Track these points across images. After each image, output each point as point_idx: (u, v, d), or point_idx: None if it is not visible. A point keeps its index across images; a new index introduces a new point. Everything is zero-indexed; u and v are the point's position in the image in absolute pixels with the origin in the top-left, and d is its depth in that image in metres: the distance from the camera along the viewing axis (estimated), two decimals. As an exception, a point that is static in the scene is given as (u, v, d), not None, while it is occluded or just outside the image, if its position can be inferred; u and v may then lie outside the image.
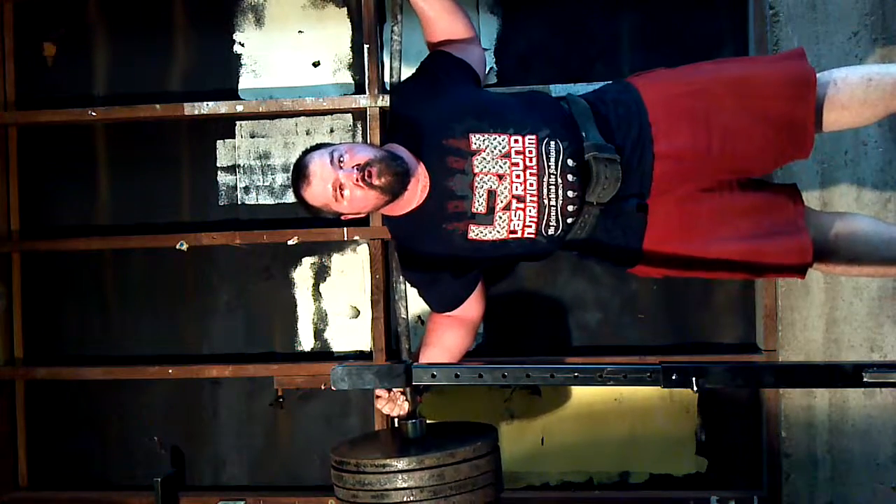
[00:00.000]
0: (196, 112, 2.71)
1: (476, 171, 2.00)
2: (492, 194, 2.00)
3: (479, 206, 2.01)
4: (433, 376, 1.85)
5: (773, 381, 1.93)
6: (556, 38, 2.70)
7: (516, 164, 1.99)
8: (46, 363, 2.87)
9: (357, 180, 1.96)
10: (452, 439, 1.99)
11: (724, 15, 2.63)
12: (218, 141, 2.83)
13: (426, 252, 2.13)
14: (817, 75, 1.99)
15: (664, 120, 2.02)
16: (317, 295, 2.81)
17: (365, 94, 2.69)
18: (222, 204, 2.84)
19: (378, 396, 2.11)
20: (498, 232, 2.03)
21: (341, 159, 1.98)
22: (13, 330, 2.89)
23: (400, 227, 2.17)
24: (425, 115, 2.08)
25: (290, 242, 2.73)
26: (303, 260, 2.81)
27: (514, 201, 2.00)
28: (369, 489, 1.88)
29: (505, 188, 1.99)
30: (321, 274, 2.81)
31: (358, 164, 1.96)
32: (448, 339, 2.23)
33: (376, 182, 1.96)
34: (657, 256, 2.08)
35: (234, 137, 2.83)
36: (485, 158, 1.99)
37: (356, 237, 2.70)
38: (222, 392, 2.85)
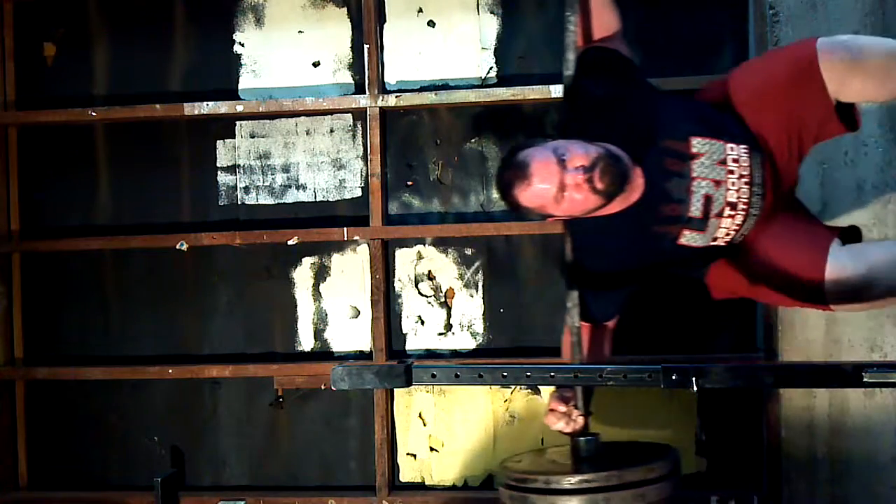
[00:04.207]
0: (196, 112, 2.71)
1: (694, 175, 1.97)
2: (708, 200, 1.97)
3: (696, 210, 1.98)
4: (433, 376, 1.85)
5: (773, 381, 1.93)
6: (556, 38, 2.69)
7: (732, 172, 1.97)
8: (46, 363, 2.88)
9: (580, 182, 1.88)
10: (629, 457, 1.89)
11: (724, 15, 2.64)
12: (218, 141, 2.83)
13: (619, 257, 2.08)
14: (846, 38, 1.96)
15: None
16: (317, 295, 2.81)
17: (365, 94, 2.69)
18: (222, 204, 2.84)
19: (552, 410, 2.04)
20: (706, 239, 2.01)
21: (564, 158, 1.89)
22: (13, 330, 2.89)
23: (592, 231, 2.07)
24: (639, 115, 2.03)
25: (290, 242, 2.73)
26: (303, 260, 2.81)
27: (727, 208, 1.98)
28: None
29: (721, 195, 1.97)
30: (321, 274, 2.81)
31: (583, 165, 1.88)
32: (607, 349, 2.19)
33: (599, 185, 1.88)
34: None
35: (234, 137, 2.83)
36: (703, 163, 1.97)
37: (356, 237, 2.70)
38: (222, 392, 2.85)
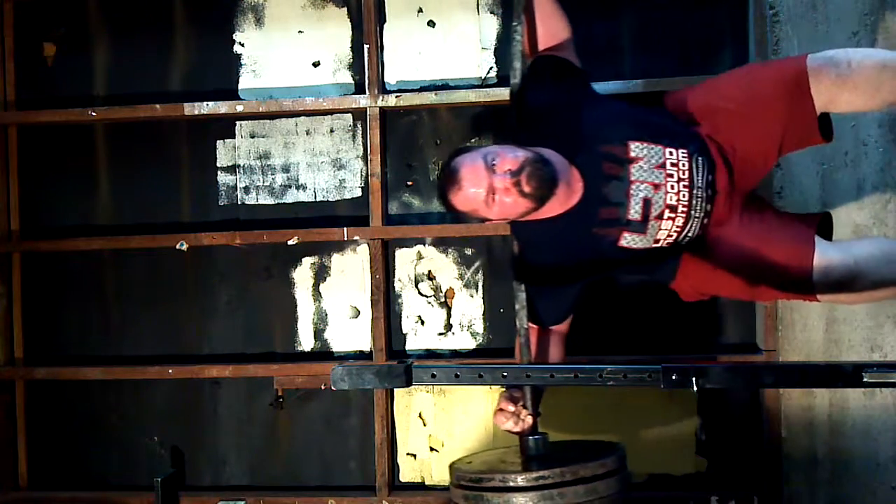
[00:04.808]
0: (196, 112, 2.71)
1: (632, 178, 2.01)
2: (647, 203, 2.01)
3: (635, 213, 2.02)
4: (433, 376, 1.85)
5: (773, 381, 1.93)
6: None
7: (671, 176, 2.02)
8: (46, 363, 2.88)
9: (509, 186, 1.93)
10: (577, 454, 1.94)
11: (724, 15, 2.63)
12: (218, 141, 2.83)
13: (561, 259, 2.11)
14: (834, 53, 2.00)
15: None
16: (317, 295, 2.81)
17: (365, 94, 2.69)
18: (222, 204, 2.84)
19: (501, 410, 2.07)
20: (647, 241, 2.05)
21: (493, 163, 1.94)
22: (13, 330, 2.89)
23: (534, 233, 2.12)
24: (579, 121, 2.07)
25: (290, 242, 2.73)
26: (303, 260, 2.81)
27: (666, 210, 2.02)
28: None
29: (660, 198, 2.01)
30: (321, 274, 2.81)
31: (510, 170, 1.93)
32: (553, 353, 2.20)
33: (526, 189, 1.93)
34: (693, 259, 2.14)
35: (234, 137, 2.83)
36: (642, 167, 2.01)
37: (356, 237, 2.70)
38: (222, 392, 2.85)
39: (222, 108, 2.71)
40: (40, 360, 2.90)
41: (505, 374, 1.82)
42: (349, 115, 2.78)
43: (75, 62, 2.88)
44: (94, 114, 2.76)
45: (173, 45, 2.84)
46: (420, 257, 2.76)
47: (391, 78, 2.75)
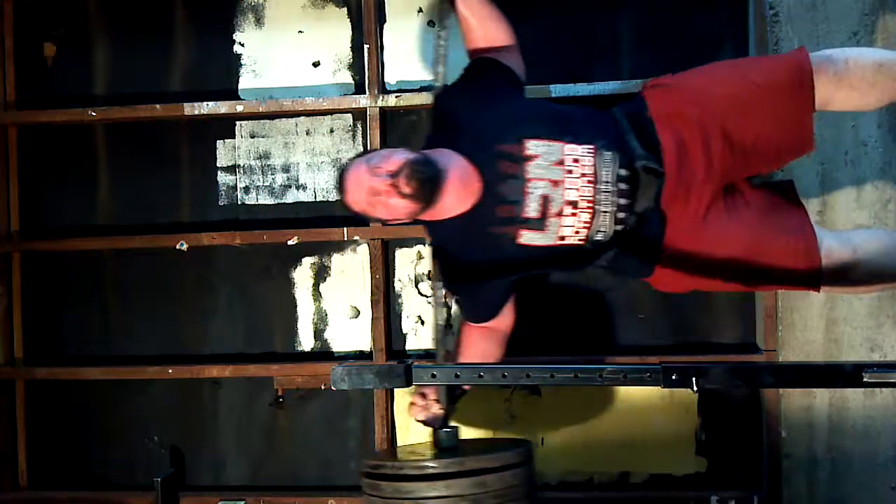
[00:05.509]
0: (196, 112, 2.71)
1: (529, 176, 2.00)
2: (546, 200, 2.01)
3: (532, 210, 2.01)
4: (433, 376, 1.85)
5: (773, 381, 1.93)
6: (556, 38, 2.70)
7: (570, 172, 2.00)
8: (46, 363, 2.88)
9: (388, 188, 1.94)
10: (487, 449, 1.98)
11: (724, 15, 2.64)
12: (218, 141, 2.83)
13: (470, 258, 2.12)
14: (831, 52, 2.02)
15: (665, 133, 2.07)
16: (317, 295, 2.81)
17: (365, 94, 2.69)
18: (222, 204, 2.84)
19: (412, 403, 2.12)
20: (548, 238, 2.04)
21: (376, 165, 1.96)
22: (13, 330, 2.89)
23: (443, 233, 2.14)
24: (478, 121, 2.08)
25: (290, 242, 2.73)
26: (303, 260, 2.81)
27: (567, 207, 2.01)
28: (409, 497, 1.86)
29: (559, 194, 2.00)
30: (321, 274, 2.81)
31: (390, 171, 1.94)
32: (484, 349, 2.22)
33: (405, 190, 1.94)
34: (674, 255, 2.11)
35: (234, 137, 2.83)
36: (539, 164, 2.00)
37: (356, 237, 2.70)
38: (222, 392, 2.85)
39: (222, 108, 2.71)
40: (40, 360, 2.90)
41: (505, 374, 1.81)
42: (349, 115, 2.78)
43: (75, 62, 2.88)
44: (94, 114, 2.77)
45: (173, 45, 2.84)
46: (420, 257, 2.76)
47: (391, 78, 2.75)
